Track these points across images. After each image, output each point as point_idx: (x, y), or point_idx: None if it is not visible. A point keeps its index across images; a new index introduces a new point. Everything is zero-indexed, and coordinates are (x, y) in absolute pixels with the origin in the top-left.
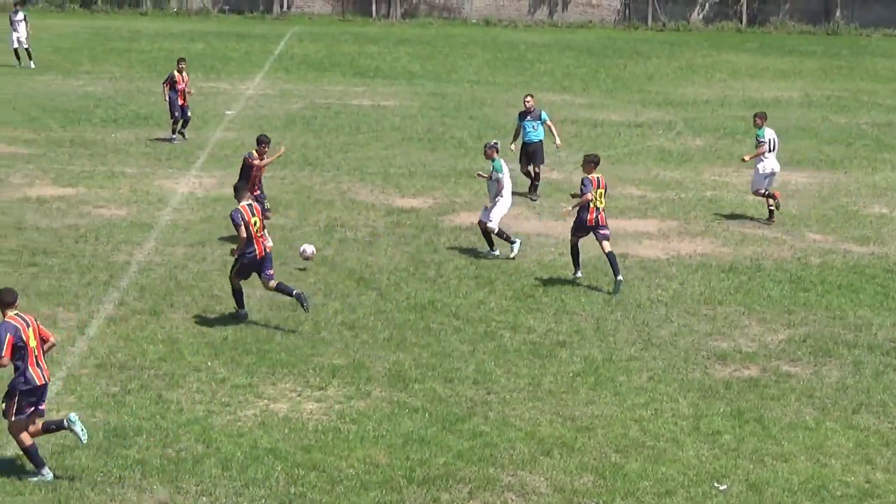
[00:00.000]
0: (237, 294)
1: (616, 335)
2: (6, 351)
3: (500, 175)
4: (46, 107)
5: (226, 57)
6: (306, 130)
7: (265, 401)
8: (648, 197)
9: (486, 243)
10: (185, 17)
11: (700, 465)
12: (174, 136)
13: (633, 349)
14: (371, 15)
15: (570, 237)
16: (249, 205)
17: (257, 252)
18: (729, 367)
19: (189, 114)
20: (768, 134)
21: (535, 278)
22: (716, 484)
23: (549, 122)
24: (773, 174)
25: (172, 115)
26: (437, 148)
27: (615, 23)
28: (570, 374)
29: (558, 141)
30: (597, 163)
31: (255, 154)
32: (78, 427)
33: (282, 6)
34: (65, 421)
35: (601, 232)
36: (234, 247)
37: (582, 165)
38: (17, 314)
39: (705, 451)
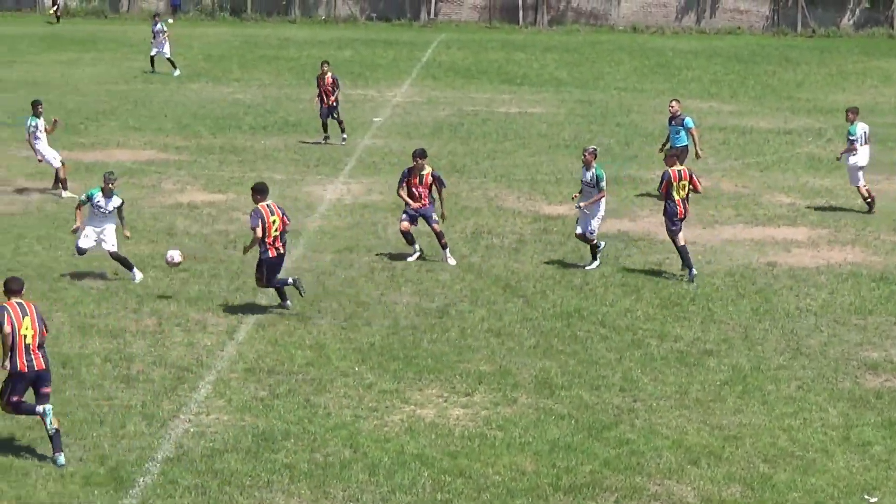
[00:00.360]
0: (279, 291)
1: (764, 344)
2: (8, 326)
3: (603, 182)
4: (197, 114)
5: (373, 64)
6: (453, 137)
7: (412, 406)
8: (798, 205)
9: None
10: (332, 24)
11: (850, 477)
12: (326, 136)
13: (782, 358)
14: (518, 22)
15: (668, 237)
16: (268, 205)
17: (269, 254)
18: (880, 378)
19: (336, 115)
20: (860, 129)
21: (682, 286)
22: (866, 496)
23: (692, 130)
24: (863, 167)
25: (321, 117)
26: None
27: (764, 29)
28: (718, 383)
29: (698, 151)
30: (678, 156)
31: (412, 178)
32: (48, 419)
33: (429, 13)
34: (37, 407)
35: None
36: (246, 245)
37: (664, 160)
38: (17, 302)
39: (856, 461)
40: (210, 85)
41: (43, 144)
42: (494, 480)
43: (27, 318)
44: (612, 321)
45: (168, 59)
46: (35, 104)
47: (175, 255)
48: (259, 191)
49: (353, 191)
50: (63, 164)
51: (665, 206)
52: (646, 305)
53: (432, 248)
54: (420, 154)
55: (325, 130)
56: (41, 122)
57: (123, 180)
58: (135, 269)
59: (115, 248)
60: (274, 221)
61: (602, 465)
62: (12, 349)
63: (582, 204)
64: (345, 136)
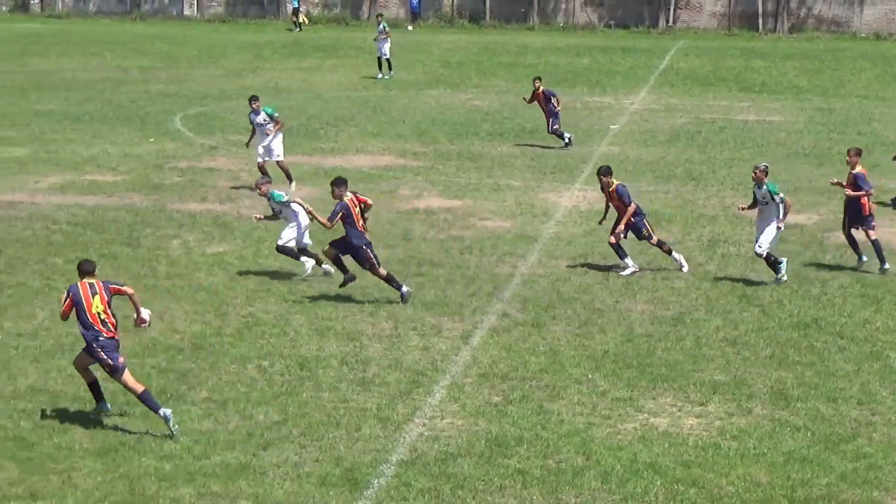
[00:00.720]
0: (337, 261)
1: None
2: (65, 307)
3: (780, 195)
4: (436, 120)
5: (611, 71)
6: (690, 145)
7: (645, 415)
8: None
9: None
10: (571, 31)
11: None
12: (567, 142)
13: None
14: (757, 29)
15: (844, 231)
16: (353, 195)
17: (366, 237)
18: None
19: (554, 128)
20: None
21: None
22: None
23: None
24: None
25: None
26: (824, 163)
27: None
28: None
29: None
30: (861, 154)
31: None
32: (171, 423)
33: (668, 21)
34: (161, 411)
35: (872, 223)
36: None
37: (847, 162)
38: (89, 282)
39: None
40: (448, 92)
41: (262, 138)
42: (728, 491)
43: (97, 297)
44: (851, 332)
45: (386, 59)
46: (250, 100)
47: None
48: (339, 183)
49: (588, 198)
50: (275, 162)
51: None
52: (885, 317)
53: (664, 256)
54: (602, 172)
55: (562, 137)
56: (259, 117)
57: (361, 186)
58: (303, 259)
59: (280, 242)
60: (358, 212)
61: (838, 479)
62: (88, 324)
63: (781, 225)
64: (567, 137)
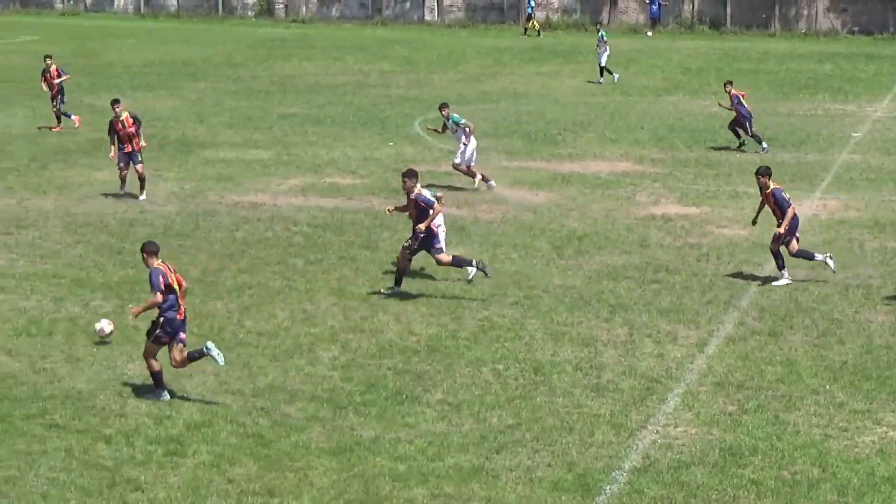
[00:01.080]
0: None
1: None
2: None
3: None
4: (674, 126)
5: (854, 78)
6: None
7: (884, 428)
8: None
9: None
10: (813, 38)
11: None
12: (757, 141)
13: None
14: None
15: None
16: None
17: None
18: None
19: (734, 127)
20: None
21: None
22: None
23: None
24: None
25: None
26: None
27: None
28: None
29: None
30: None
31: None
32: (214, 352)
33: None
34: (203, 348)
35: None
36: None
37: None
38: (162, 262)
39: None
40: (687, 98)
41: (458, 143)
42: None
43: (173, 275)
44: None
45: (603, 66)
46: (440, 108)
47: (104, 326)
48: (411, 175)
49: (828, 207)
50: (461, 166)
51: None
52: None
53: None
54: (761, 172)
55: (739, 137)
56: (450, 123)
57: (598, 192)
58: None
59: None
60: None
61: None
62: (175, 299)
63: None
64: (765, 145)
